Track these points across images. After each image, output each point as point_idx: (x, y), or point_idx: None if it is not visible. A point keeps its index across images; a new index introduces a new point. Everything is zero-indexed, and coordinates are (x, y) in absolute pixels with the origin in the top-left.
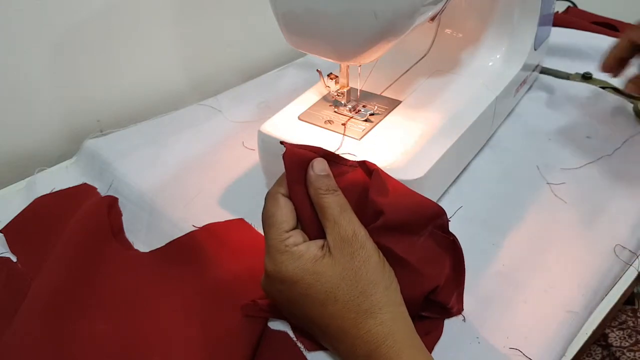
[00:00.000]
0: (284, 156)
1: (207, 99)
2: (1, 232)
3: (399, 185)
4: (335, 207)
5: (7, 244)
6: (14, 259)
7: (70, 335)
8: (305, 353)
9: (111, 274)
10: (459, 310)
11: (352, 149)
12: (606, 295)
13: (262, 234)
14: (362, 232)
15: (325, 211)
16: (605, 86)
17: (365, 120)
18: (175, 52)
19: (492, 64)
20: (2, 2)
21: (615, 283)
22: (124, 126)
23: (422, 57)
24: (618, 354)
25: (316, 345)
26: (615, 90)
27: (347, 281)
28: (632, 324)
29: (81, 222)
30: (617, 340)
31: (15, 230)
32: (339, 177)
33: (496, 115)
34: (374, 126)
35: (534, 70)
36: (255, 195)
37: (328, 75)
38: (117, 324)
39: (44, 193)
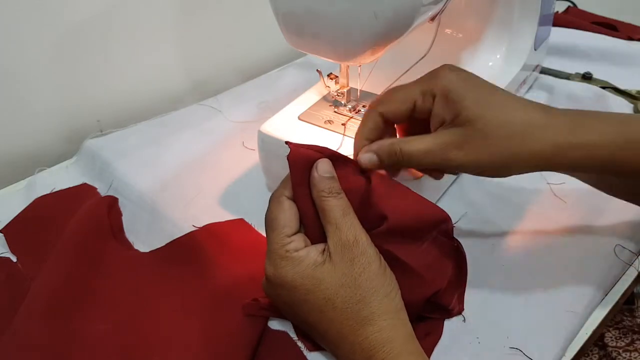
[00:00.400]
0: (289, 157)
1: (207, 99)
2: (1, 232)
3: (403, 189)
4: (337, 210)
5: (7, 244)
6: (14, 259)
7: (70, 335)
8: (306, 353)
9: (111, 274)
10: (460, 311)
11: (352, 149)
12: (606, 295)
13: (263, 234)
14: (363, 238)
15: (327, 214)
16: (605, 86)
17: None
18: (175, 52)
19: (492, 64)
20: (2, 2)
21: (615, 283)
22: (124, 126)
23: (422, 57)
24: (614, 354)
25: (317, 345)
26: (616, 90)
27: (346, 288)
28: (628, 324)
29: (81, 222)
30: (613, 340)
31: (15, 230)
32: (345, 179)
33: None
34: None
35: (534, 70)
36: (255, 195)
37: (328, 75)
38: (117, 324)
39: (44, 193)
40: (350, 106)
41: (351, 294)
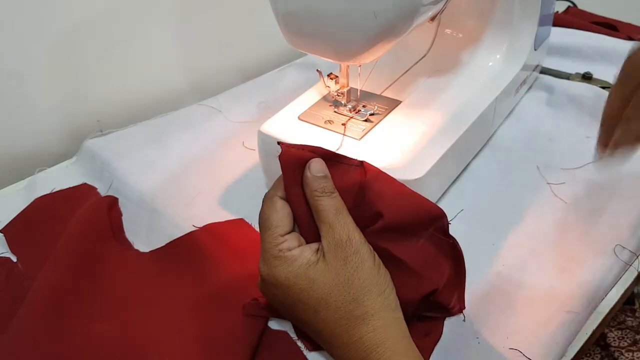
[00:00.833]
0: (280, 157)
1: (207, 99)
2: (1, 232)
3: (398, 186)
4: (331, 209)
5: (7, 244)
6: (14, 259)
7: (70, 335)
8: (306, 353)
9: (111, 274)
10: (461, 309)
11: (352, 149)
12: (606, 295)
13: None
14: (356, 237)
15: (321, 214)
16: (605, 86)
17: (365, 120)
18: (175, 52)
19: (492, 64)
20: (2, 2)
21: (615, 283)
22: (124, 126)
23: (422, 57)
24: (617, 354)
25: (316, 345)
26: None
27: (339, 287)
28: (630, 324)
29: (81, 222)
30: (615, 341)
31: (15, 230)
32: (340, 177)
33: (496, 115)
34: (374, 126)
35: (534, 70)
36: (255, 195)
37: (328, 75)
38: (117, 324)
39: (44, 193)
40: (350, 106)
41: (344, 294)
